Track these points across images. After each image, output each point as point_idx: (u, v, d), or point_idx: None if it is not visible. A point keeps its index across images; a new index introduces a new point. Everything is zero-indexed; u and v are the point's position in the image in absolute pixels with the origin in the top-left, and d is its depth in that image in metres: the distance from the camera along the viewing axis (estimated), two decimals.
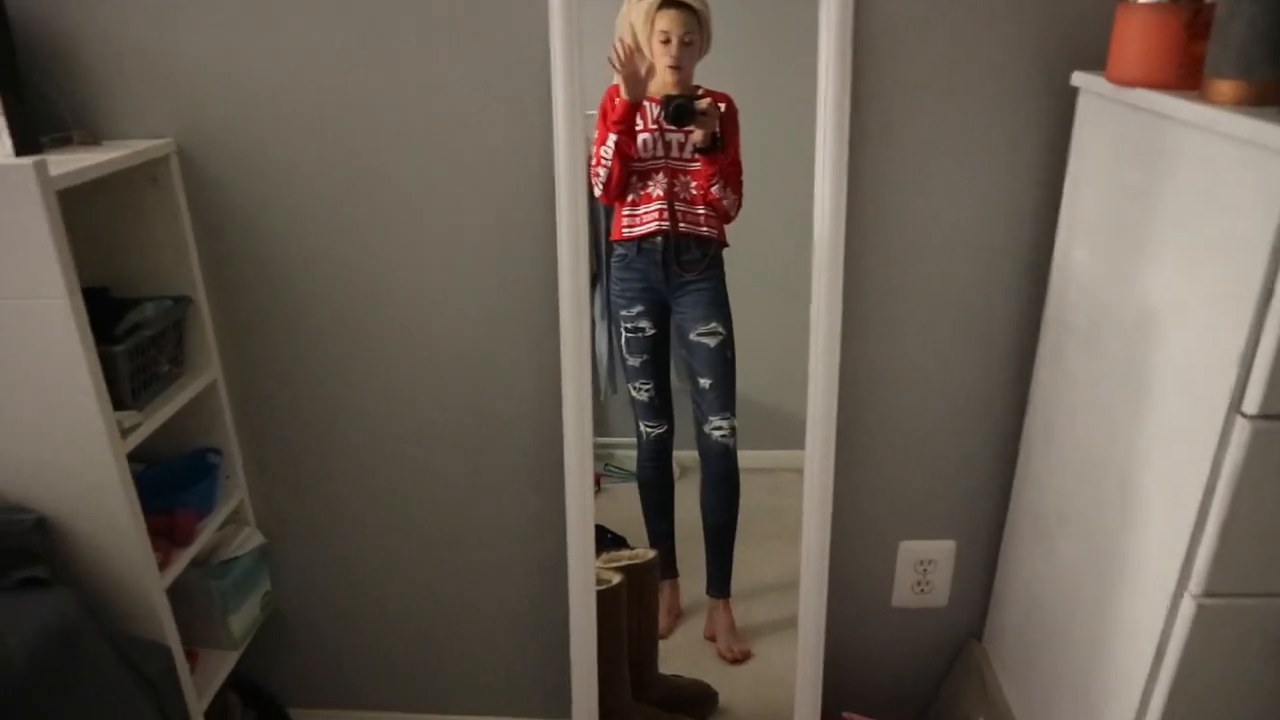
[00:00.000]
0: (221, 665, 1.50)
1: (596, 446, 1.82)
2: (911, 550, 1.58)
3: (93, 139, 1.34)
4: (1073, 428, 1.29)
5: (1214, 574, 0.98)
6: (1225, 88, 0.95)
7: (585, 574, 1.49)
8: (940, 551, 1.58)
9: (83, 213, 1.35)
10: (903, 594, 1.61)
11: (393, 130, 1.36)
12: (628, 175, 1.46)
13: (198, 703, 1.40)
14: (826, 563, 1.45)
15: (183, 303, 1.42)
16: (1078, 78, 1.24)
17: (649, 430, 1.63)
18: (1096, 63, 1.21)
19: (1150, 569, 1.07)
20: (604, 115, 1.43)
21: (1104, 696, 1.17)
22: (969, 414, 1.49)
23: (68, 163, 1.19)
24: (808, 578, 1.47)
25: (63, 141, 1.32)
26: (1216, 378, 0.94)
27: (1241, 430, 0.92)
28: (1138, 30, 1.08)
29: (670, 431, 1.63)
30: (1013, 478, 1.50)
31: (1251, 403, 0.90)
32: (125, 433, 1.25)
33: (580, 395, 1.40)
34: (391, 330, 1.48)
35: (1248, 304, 0.89)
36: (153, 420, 1.32)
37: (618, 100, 1.42)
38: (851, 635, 1.64)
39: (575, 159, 1.30)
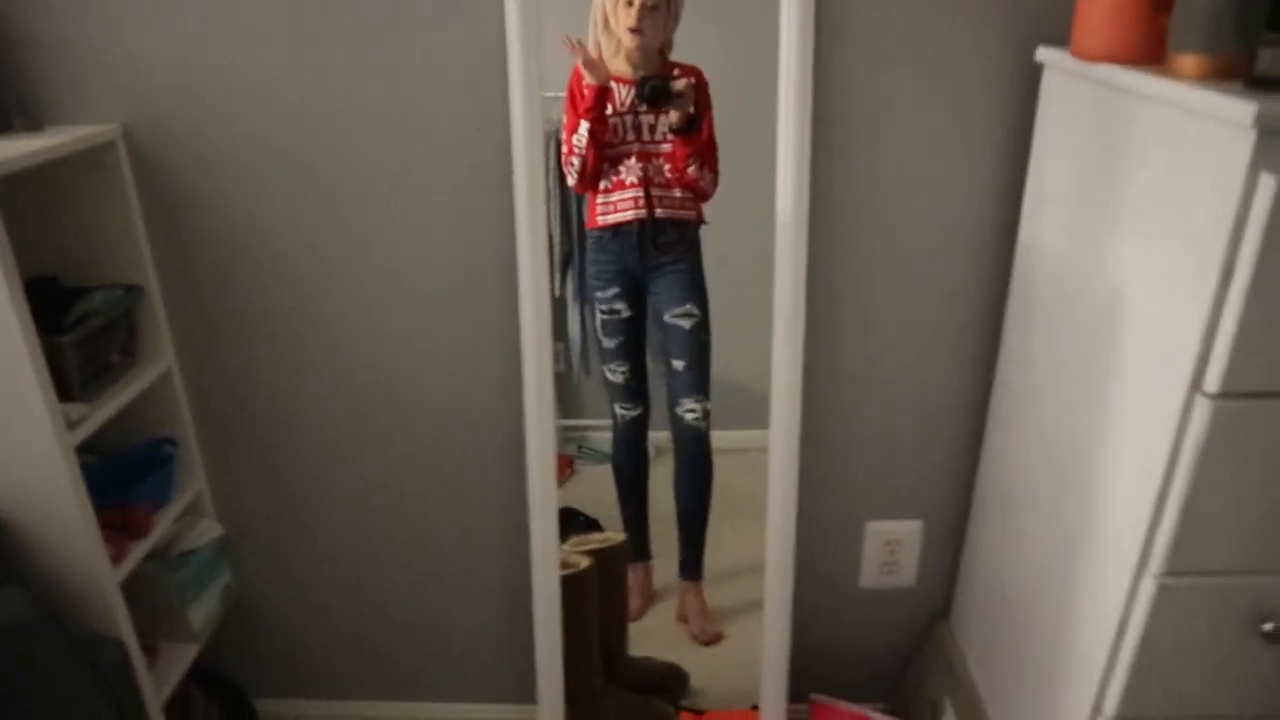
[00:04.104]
0: (181, 658, 1.48)
1: (569, 429, 1.80)
2: (879, 531, 1.58)
3: (34, 125, 1.29)
4: (1038, 406, 1.28)
5: (1175, 553, 0.98)
6: (1189, 62, 0.94)
7: (549, 559, 1.47)
8: (907, 532, 1.58)
9: (26, 201, 1.30)
10: (870, 575, 1.61)
11: (347, 112, 1.33)
12: (603, 162, 1.43)
13: (156, 697, 1.37)
14: (792, 544, 1.45)
15: (134, 291, 1.38)
16: (1042, 53, 1.22)
17: (624, 413, 1.61)
18: (1061, 38, 1.20)
19: (1113, 548, 1.07)
20: (572, 98, 1.40)
21: (1066, 676, 1.17)
22: (935, 392, 1.48)
23: (3, 150, 1.15)
24: (773, 559, 1.46)
25: (2, 129, 1.27)
26: (1179, 356, 0.93)
27: (1202, 409, 0.91)
28: (1102, 4, 1.06)
29: (646, 414, 1.61)
30: (979, 456, 1.50)
31: (1212, 381, 0.90)
32: (72, 425, 1.21)
33: (541, 376, 1.37)
34: (349, 314, 1.45)
35: (1209, 281, 0.88)
36: (102, 412, 1.28)
37: (586, 88, 1.39)
38: (819, 617, 1.64)
39: (533, 136, 1.27)
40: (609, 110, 1.39)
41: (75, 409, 1.24)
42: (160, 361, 1.43)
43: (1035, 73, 1.26)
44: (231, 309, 1.45)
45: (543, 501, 1.44)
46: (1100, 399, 1.10)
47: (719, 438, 1.57)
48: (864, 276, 1.41)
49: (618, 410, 1.61)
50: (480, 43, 1.28)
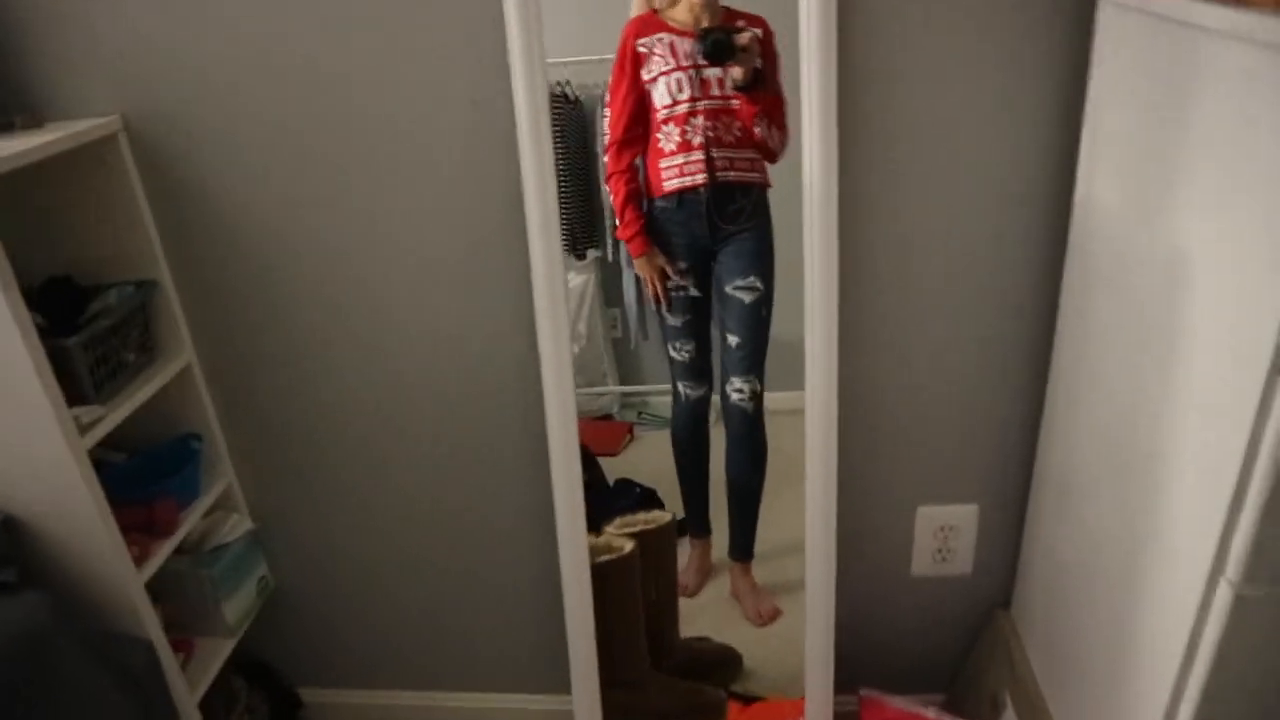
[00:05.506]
0: (217, 653, 1.48)
1: (628, 395, 1.75)
2: (931, 516, 1.47)
3: (35, 122, 1.27)
4: (1096, 385, 1.16)
5: (1254, 560, 0.86)
6: None
7: (577, 549, 1.41)
8: (962, 517, 1.47)
9: (34, 200, 1.30)
10: (923, 562, 1.51)
11: (350, 94, 1.28)
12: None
13: (190, 694, 1.38)
14: (834, 530, 1.35)
15: (146, 287, 1.36)
16: None
17: (687, 392, 1.54)
18: None
19: (1181, 549, 0.95)
20: (620, 61, 1.32)
21: (1136, 683, 1.06)
22: (988, 369, 1.36)
23: (2, 148, 1.13)
24: (814, 547, 1.37)
25: (4, 127, 1.25)
26: (1256, 330, 0.81)
27: None
28: None
29: (710, 393, 1.54)
30: (1037, 438, 1.37)
31: None
32: (85, 428, 1.20)
33: (559, 359, 1.29)
34: (366, 299, 1.41)
35: None
36: (118, 412, 1.27)
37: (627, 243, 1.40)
38: (871, 605, 1.55)
39: (537, 106, 1.18)
40: (669, 66, 1.31)
41: (88, 411, 1.22)
42: (179, 356, 1.42)
43: (1089, 9, 1.12)
44: (247, 298, 1.42)
45: (568, 489, 1.38)
46: (1164, 378, 0.98)
47: (777, 399, 1.49)
48: (907, 242, 1.29)
49: (680, 389, 1.54)
50: (478, 10, 1.20)
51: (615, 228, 1.47)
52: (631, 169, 1.40)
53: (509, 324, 1.39)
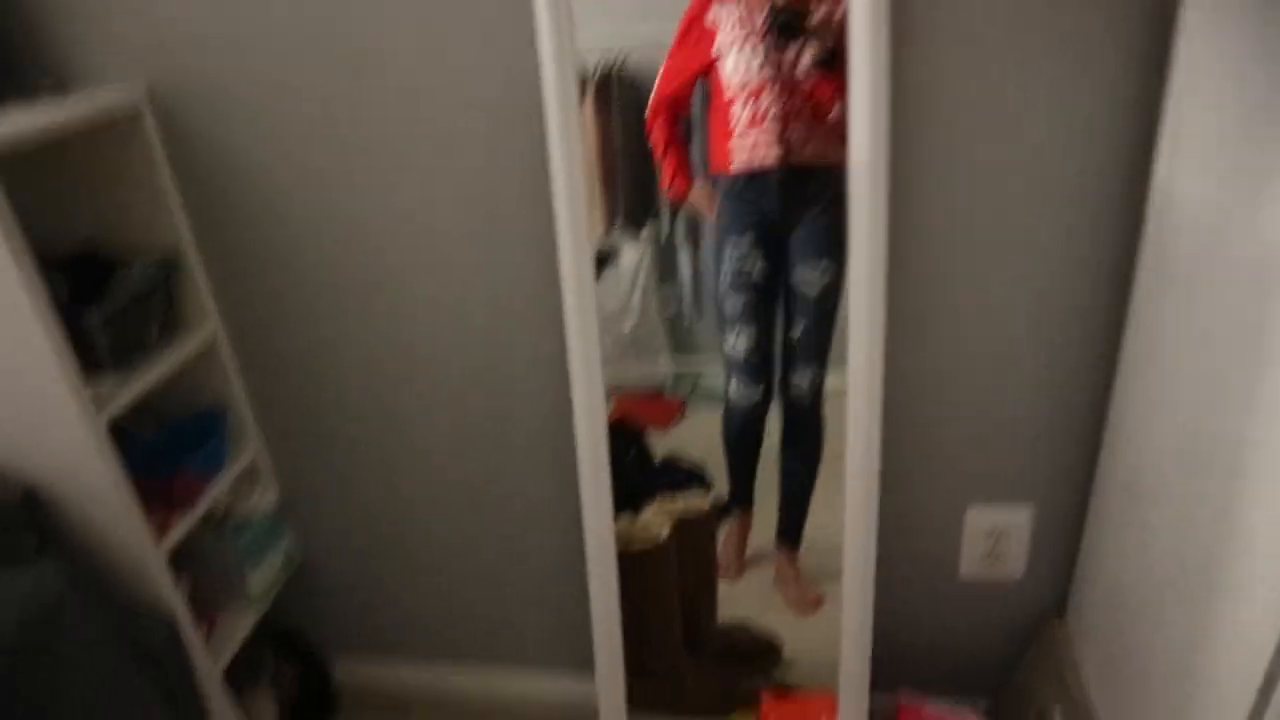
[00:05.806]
0: (241, 624, 1.47)
1: (682, 371, 1.69)
2: (981, 516, 1.37)
3: (60, 89, 1.24)
4: (1171, 387, 1.05)
5: None
6: None
7: (604, 537, 1.36)
8: (1014, 518, 1.36)
9: (58, 174, 1.27)
10: (972, 564, 1.41)
11: (379, 61, 1.22)
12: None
13: (213, 664, 1.37)
14: (874, 524, 1.26)
15: (171, 262, 1.33)
16: None
17: (740, 395, 1.45)
18: None
19: (1261, 574, 0.85)
20: (683, 34, 1.24)
21: (1202, 713, 0.96)
22: (1047, 363, 1.25)
23: (17, 120, 1.09)
24: (853, 542, 1.28)
25: (29, 92, 1.22)
26: None
27: None
28: None
29: (767, 399, 1.44)
30: (1102, 438, 1.26)
31: None
32: (103, 401, 1.18)
33: (586, 335, 1.22)
34: (394, 270, 1.36)
35: None
36: (137, 385, 1.25)
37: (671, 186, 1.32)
38: (914, 604, 1.47)
39: (566, 85, 1.11)
40: (746, 40, 1.22)
41: (107, 385, 1.21)
42: (204, 329, 1.39)
43: None
44: (273, 271, 1.39)
45: (594, 475, 1.32)
46: (1248, 388, 0.87)
47: (830, 379, 1.39)
48: (963, 227, 1.19)
49: (732, 391, 1.45)
50: None
51: (669, 202, 1.39)
52: (672, 116, 1.32)
53: (541, 295, 1.34)
